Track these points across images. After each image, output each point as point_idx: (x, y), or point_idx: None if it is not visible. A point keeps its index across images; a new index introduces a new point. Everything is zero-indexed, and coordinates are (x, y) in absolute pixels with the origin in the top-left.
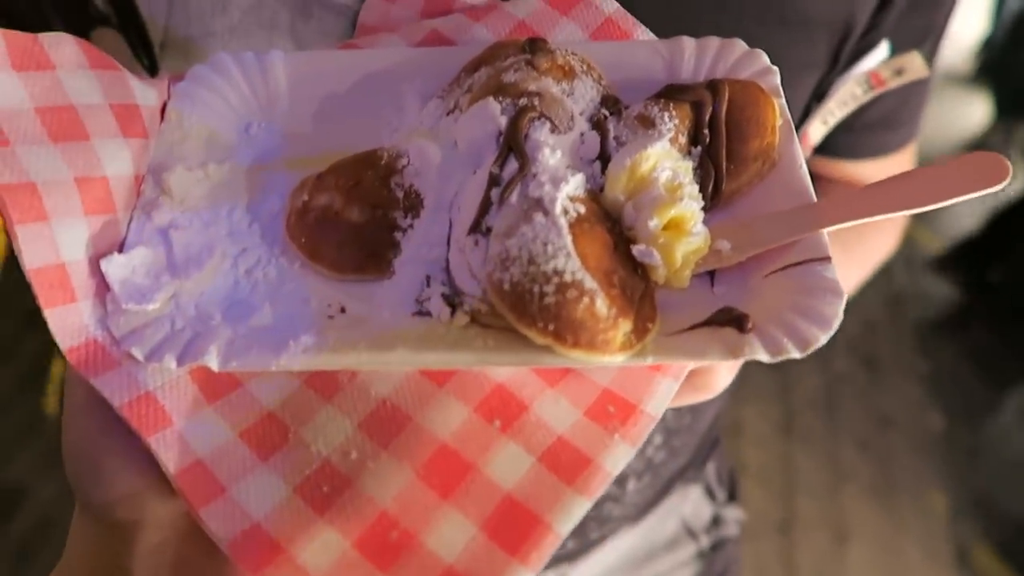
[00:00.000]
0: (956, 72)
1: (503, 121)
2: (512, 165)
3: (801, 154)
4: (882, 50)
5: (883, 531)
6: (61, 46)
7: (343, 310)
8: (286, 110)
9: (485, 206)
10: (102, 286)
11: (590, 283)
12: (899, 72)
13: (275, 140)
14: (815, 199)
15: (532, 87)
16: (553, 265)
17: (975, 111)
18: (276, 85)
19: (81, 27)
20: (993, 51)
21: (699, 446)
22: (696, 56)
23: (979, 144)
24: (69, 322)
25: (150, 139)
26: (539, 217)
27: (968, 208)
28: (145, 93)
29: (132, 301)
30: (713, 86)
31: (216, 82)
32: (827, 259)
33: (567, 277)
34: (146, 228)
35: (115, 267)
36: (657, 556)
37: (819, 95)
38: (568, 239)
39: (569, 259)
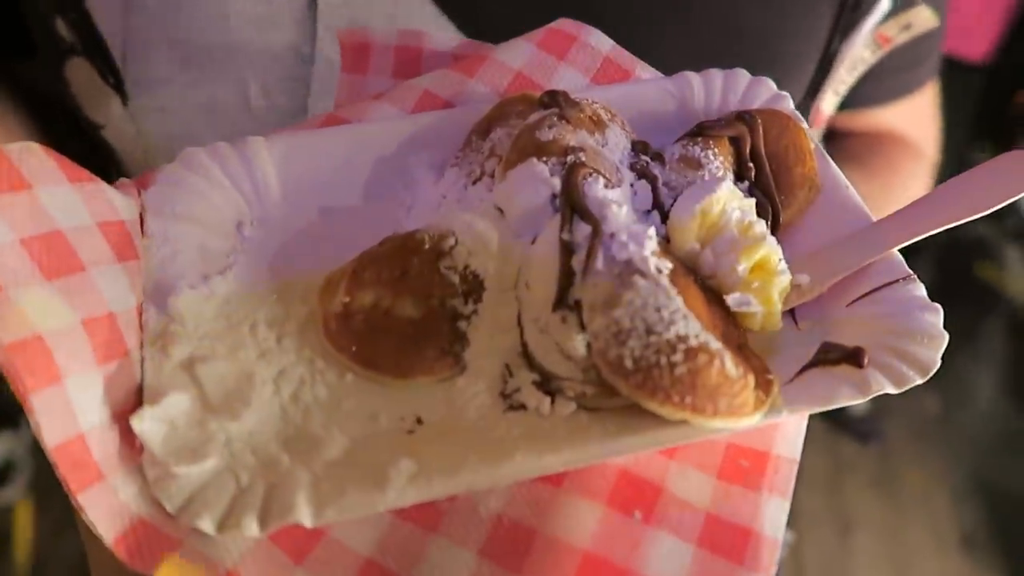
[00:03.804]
0: None
1: (556, 182)
2: (582, 228)
3: (842, 175)
4: (884, 4)
5: (887, 520)
6: (33, 158)
7: (420, 420)
8: (280, 201)
9: (567, 278)
10: (131, 450)
11: (715, 344)
12: (907, 27)
13: (275, 237)
14: (872, 218)
15: (572, 142)
16: (675, 331)
17: None
18: (263, 174)
19: (56, 59)
20: None
21: None
22: (705, 90)
23: None
24: (105, 506)
25: (142, 261)
26: (639, 280)
27: None
28: (126, 205)
29: (182, 462)
30: (744, 118)
31: (193, 183)
32: (910, 277)
33: (692, 342)
34: (165, 368)
35: (149, 423)
36: None
37: (825, 66)
38: (679, 300)
39: (688, 321)
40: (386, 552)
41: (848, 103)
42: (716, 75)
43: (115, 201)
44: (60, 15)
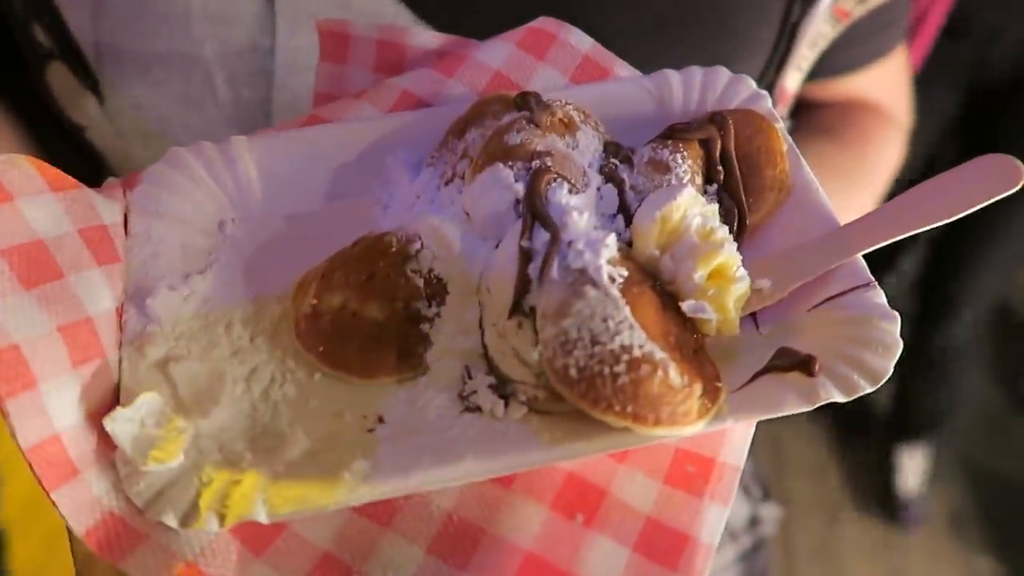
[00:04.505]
0: None
1: (519, 188)
2: (542, 235)
3: (815, 178)
4: None
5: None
6: (16, 170)
7: (381, 419)
8: (260, 200)
9: (523, 284)
10: (107, 448)
11: (660, 353)
12: (862, 1)
13: (255, 235)
14: (839, 222)
15: (540, 147)
16: (619, 342)
17: None
18: (245, 174)
19: (37, 65)
20: None
21: None
22: (683, 88)
23: None
24: (79, 501)
25: (124, 262)
26: (590, 290)
27: None
28: (109, 209)
29: (149, 459)
30: (716, 120)
31: (177, 181)
32: (870, 284)
33: (636, 352)
34: (141, 368)
35: (120, 424)
36: None
37: (787, 36)
38: (627, 310)
39: (634, 331)
40: (342, 546)
41: (817, 72)
42: (695, 73)
43: (98, 206)
44: (36, 21)
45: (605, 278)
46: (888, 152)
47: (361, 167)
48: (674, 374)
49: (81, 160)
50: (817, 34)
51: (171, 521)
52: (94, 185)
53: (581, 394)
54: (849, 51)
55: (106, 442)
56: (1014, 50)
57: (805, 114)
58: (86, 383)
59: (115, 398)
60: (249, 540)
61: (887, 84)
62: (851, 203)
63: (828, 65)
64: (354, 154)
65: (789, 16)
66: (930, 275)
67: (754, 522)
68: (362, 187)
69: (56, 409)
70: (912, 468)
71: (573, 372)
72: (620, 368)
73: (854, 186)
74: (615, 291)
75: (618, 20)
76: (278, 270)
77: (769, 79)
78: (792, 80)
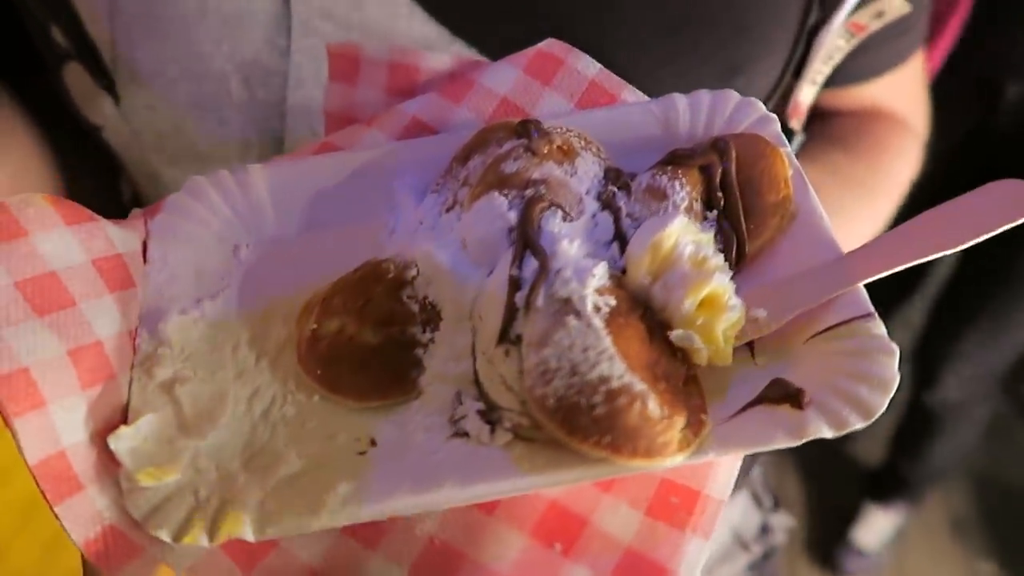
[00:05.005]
0: None
1: (512, 216)
2: (531, 264)
3: (820, 203)
4: None
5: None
6: (31, 207)
7: (373, 442)
8: (273, 225)
9: (511, 313)
10: (111, 465)
11: (639, 385)
12: (879, 15)
13: (267, 260)
14: (842, 251)
15: (535, 175)
16: (598, 372)
17: None
18: (259, 200)
19: (55, 66)
20: None
21: None
22: (691, 112)
23: None
24: (81, 514)
25: (138, 287)
26: (572, 320)
27: None
28: (125, 238)
29: (148, 476)
30: (718, 146)
31: (195, 209)
32: (870, 315)
33: (615, 383)
34: (148, 388)
35: (123, 442)
36: (712, 571)
37: (800, 66)
38: (607, 340)
39: (613, 362)
40: (330, 565)
41: (831, 80)
42: (703, 96)
43: (113, 237)
44: (54, 21)
45: (589, 308)
46: (903, 162)
47: (371, 193)
48: (653, 406)
49: (99, 160)
50: (832, 48)
51: (165, 535)
52: (113, 191)
53: (559, 424)
54: (864, 58)
55: (110, 459)
56: None
57: (819, 123)
58: (93, 403)
59: (124, 417)
60: (240, 556)
61: (903, 92)
62: (865, 213)
63: (843, 73)
64: (364, 181)
65: (807, 17)
66: (921, 336)
67: (765, 531)
68: (372, 213)
69: (63, 427)
70: (876, 526)
71: (551, 402)
72: (597, 399)
73: (868, 196)
74: (598, 321)
75: (633, 20)
76: (287, 294)
77: (786, 84)
78: (806, 94)
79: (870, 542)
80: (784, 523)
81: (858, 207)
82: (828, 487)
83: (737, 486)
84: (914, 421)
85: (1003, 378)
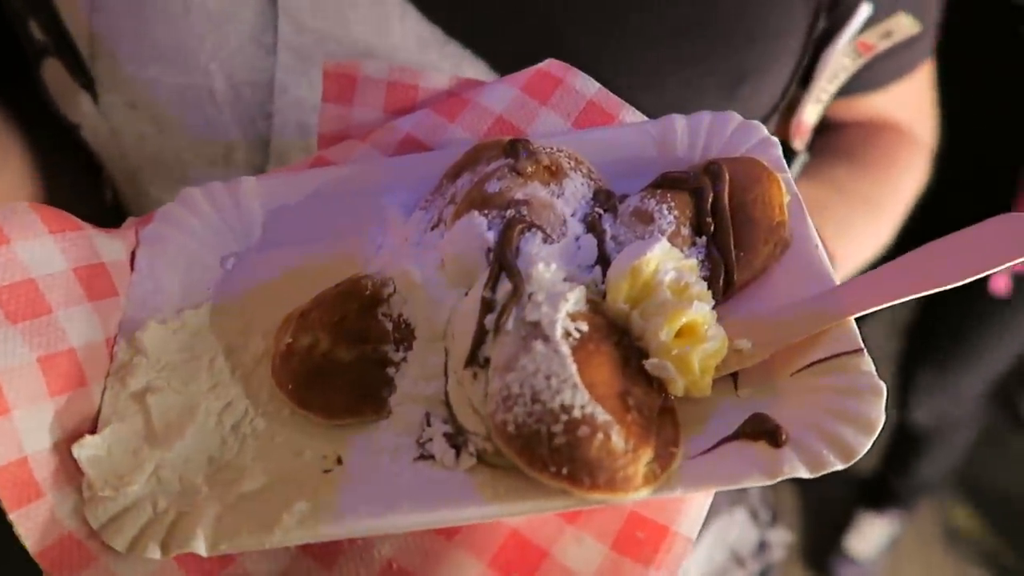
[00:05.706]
0: None
1: (491, 237)
2: (506, 286)
3: (815, 232)
4: (864, 11)
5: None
6: (15, 216)
7: (339, 461)
8: (263, 238)
9: (480, 335)
10: (74, 473)
11: (602, 416)
12: (887, 35)
13: (254, 272)
14: (836, 282)
15: (518, 195)
16: (560, 401)
17: None
18: (250, 212)
19: (34, 61)
20: None
21: None
22: (689, 134)
23: None
24: (39, 521)
25: (121, 296)
26: (539, 346)
27: None
28: (111, 247)
29: (109, 486)
30: (711, 169)
31: (186, 219)
32: (859, 351)
33: (576, 413)
34: (121, 397)
35: (87, 450)
36: None
37: (806, 76)
38: (573, 368)
39: (576, 392)
40: None
41: (840, 91)
42: (703, 117)
43: (98, 245)
44: (33, 16)
45: (558, 333)
46: (910, 176)
47: (361, 209)
48: (617, 438)
49: (79, 160)
50: (838, 67)
51: (118, 546)
52: (95, 190)
53: (517, 452)
54: (872, 69)
55: (75, 467)
56: None
57: (825, 135)
58: (61, 410)
59: (94, 425)
60: (196, 571)
61: (911, 103)
62: (870, 230)
63: (850, 84)
64: (355, 196)
65: (815, 25)
66: (905, 355)
67: (763, 547)
68: (361, 228)
69: (27, 434)
70: (870, 534)
71: (512, 428)
72: (557, 428)
73: (873, 213)
74: (565, 347)
75: (641, 27)
76: (270, 307)
77: (791, 95)
78: (811, 113)
79: (864, 550)
80: (782, 539)
81: (863, 224)
82: (822, 495)
83: (734, 501)
84: (900, 439)
85: (996, 391)
